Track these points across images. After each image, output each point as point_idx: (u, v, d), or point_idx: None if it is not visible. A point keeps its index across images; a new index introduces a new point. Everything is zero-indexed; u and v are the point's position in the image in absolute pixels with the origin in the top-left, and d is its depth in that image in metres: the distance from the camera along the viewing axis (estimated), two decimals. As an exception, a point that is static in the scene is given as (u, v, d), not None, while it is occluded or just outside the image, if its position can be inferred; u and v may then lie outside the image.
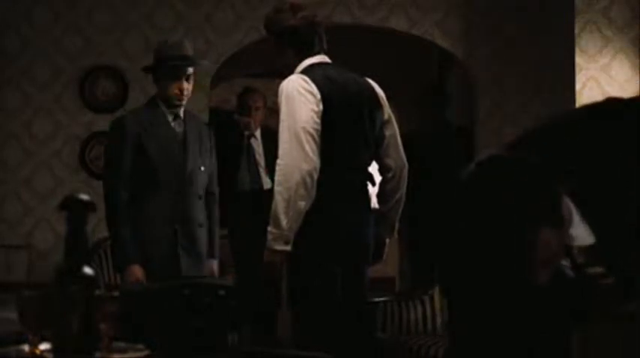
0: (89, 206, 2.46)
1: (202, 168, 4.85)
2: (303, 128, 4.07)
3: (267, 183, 7.07)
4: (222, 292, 3.00)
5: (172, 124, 4.84)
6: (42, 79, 6.91)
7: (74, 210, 2.45)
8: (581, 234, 2.26)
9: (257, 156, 7.11)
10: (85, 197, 2.48)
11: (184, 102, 4.85)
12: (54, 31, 6.92)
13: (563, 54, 6.79)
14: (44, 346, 2.55)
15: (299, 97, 4.11)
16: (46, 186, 6.81)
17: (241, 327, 3.08)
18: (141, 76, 5.40)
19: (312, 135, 4.09)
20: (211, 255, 4.96)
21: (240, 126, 7.10)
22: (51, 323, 2.46)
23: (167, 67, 4.75)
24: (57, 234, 6.58)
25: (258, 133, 7.16)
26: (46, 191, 6.79)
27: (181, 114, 4.88)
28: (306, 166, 4.04)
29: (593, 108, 2.42)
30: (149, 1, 7.00)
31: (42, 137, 6.89)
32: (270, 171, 7.04)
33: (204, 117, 7.12)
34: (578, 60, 6.65)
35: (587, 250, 2.28)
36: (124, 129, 4.76)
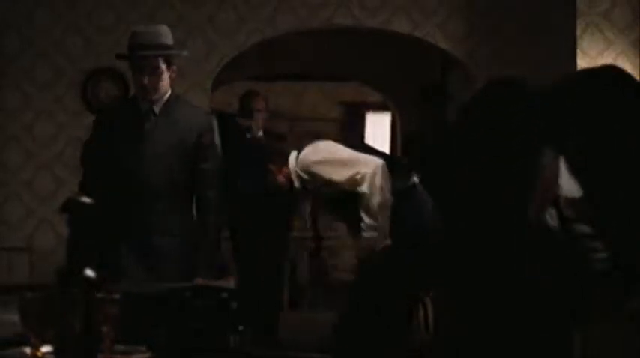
0: (90, 208, 2.46)
1: (169, 170, 4.32)
2: None
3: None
4: (224, 294, 3.00)
5: (143, 122, 4.37)
6: (43, 80, 6.91)
7: (75, 213, 2.44)
8: (568, 185, 2.27)
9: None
10: (86, 199, 2.48)
11: (153, 97, 4.35)
12: (54, 31, 6.92)
13: (564, 56, 6.78)
14: (46, 348, 2.54)
15: None
16: (48, 188, 6.81)
17: (243, 329, 3.08)
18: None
19: None
20: (198, 273, 4.21)
21: (242, 129, 7.10)
22: (53, 325, 2.46)
23: (129, 57, 4.34)
24: (58, 236, 6.57)
25: (260, 135, 7.15)
26: (47, 193, 6.79)
27: (157, 109, 4.37)
28: None
29: (592, 72, 2.44)
30: (150, 2, 7.00)
31: (43, 139, 6.89)
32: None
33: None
34: (580, 62, 6.65)
35: (573, 203, 2.28)
36: (95, 129, 4.55)
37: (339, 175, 4.99)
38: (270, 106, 7.38)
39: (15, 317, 2.60)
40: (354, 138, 12.43)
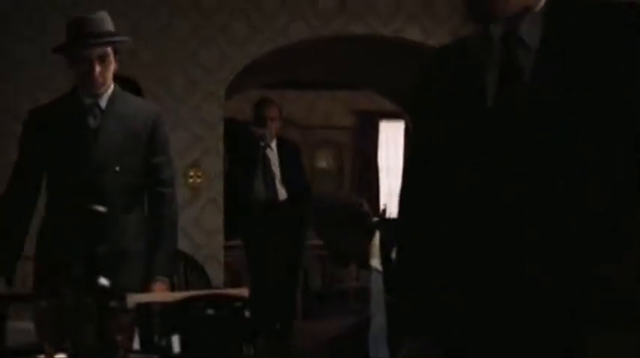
0: (104, 217, 2.46)
1: (122, 168, 3.97)
2: None
3: (282, 194, 7.08)
4: (237, 304, 2.99)
5: (87, 117, 3.98)
6: (58, 89, 6.92)
7: (89, 221, 2.45)
8: None
9: (272, 167, 7.11)
10: (99, 208, 2.48)
11: (100, 90, 3.98)
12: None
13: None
14: (60, 357, 2.55)
15: None
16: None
17: (257, 338, 3.07)
18: (155, 86, 5.39)
19: None
20: (155, 272, 3.96)
21: (256, 137, 7.11)
22: (67, 334, 2.46)
23: (75, 46, 3.93)
24: (72, 245, 6.58)
25: (273, 144, 7.17)
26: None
27: (102, 104, 4.00)
28: None
29: None
30: (163, 12, 7.02)
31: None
32: (285, 182, 7.06)
33: (219, 128, 7.14)
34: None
35: None
36: (26, 127, 4.08)
37: None
38: (283, 114, 7.40)
39: (29, 326, 2.60)
40: (368, 146, 12.43)
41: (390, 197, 12.34)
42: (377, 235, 4.76)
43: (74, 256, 3.33)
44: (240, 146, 7.33)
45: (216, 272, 6.79)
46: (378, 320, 4.59)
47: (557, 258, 2.17)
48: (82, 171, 3.92)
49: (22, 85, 6.87)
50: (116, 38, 4.02)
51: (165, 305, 2.92)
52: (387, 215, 10.70)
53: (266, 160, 7.11)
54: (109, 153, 3.94)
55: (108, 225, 3.78)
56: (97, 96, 3.98)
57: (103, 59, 3.92)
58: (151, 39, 6.95)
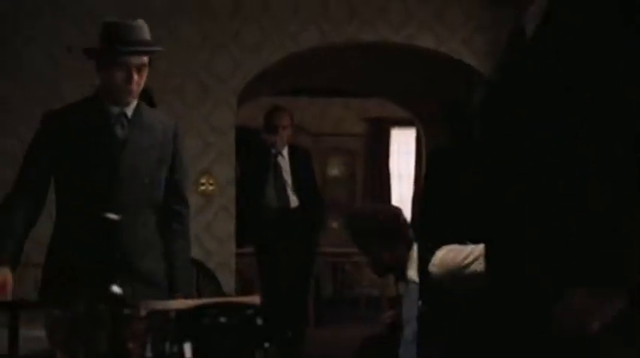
0: (118, 225, 2.46)
1: (149, 180, 3.85)
2: None
3: (293, 202, 7.08)
4: (249, 311, 2.99)
5: (114, 127, 3.84)
6: (70, 99, 6.94)
7: (102, 229, 2.45)
8: None
9: (284, 175, 7.11)
10: (113, 216, 2.49)
11: (130, 100, 3.86)
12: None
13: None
14: (73, 365, 2.55)
15: None
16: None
17: (269, 346, 3.07)
18: (167, 93, 5.40)
19: None
20: (176, 290, 3.89)
21: (267, 144, 7.12)
22: (80, 341, 2.46)
23: (115, 52, 3.78)
24: (85, 252, 6.59)
25: (285, 151, 7.17)
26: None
27: (129, 113, 3.87)
28: None
29: None
30: (175, 19, 7.03)
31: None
32: (297, 190, 7.06)
33: (230, 135, 7.14)
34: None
35: None
36: (46, 129, 3.86)
37: None
38: (294, 122, 7.40)
39: (42, 333, 2.61)
40: (379, 153, 12.42)
41: (401, 204, 12.32)
42: (414, 246, 4.77)
43: (89, 263, 3.47)
44: (252, 153, 7.34)
45: (227, 280, 6.79)
46: (412, 327, 4.61)
47: (557, 259, 2.16)
48: (107, 181, 3.77)
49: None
50: (155, 48, 3.94)
51: (177, 313, 2.92)
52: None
53: (277, 168, 7.11)
54: (137, 165, 3.82)
55: (125, 236, 3.71)
56: (125, 105, 3.85)
57: (140, 68, 3.83)
58: (163, 46, 6.95)
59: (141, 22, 3.93)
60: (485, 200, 2.30)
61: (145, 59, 3.85)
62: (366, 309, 10.41)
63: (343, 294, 10.72)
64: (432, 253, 4.19)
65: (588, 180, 2.14)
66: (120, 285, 3.00)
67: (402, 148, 12.53)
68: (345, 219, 5.03)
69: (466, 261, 3.94)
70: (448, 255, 4.08)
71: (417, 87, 9.37)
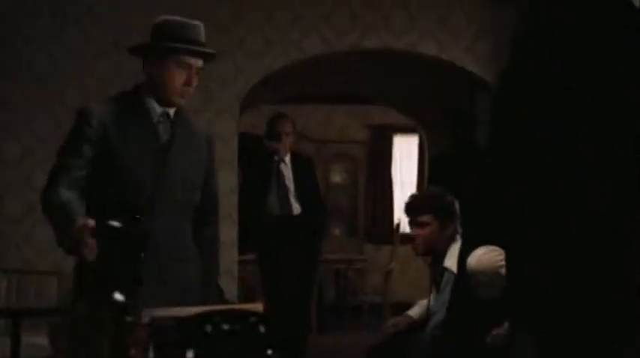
0: (120, 232, 2.46)
1: (190, 185, 3.73)
2: None
3: (296, 209, 7.08)
4: (252, 318, 2.98)
5: (158, 127, 3.67)
6: (73, 104, 6.95)
7: (104, 237, 2.45)
8: None
9: (286, 182, 7.11)
10: (115, 223, 2.48)
11: (181, 102, 3.71)
12: (85, 54, 6.97)
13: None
14: (75, 372, 2.54)
15: None
16: (77, 212, 6.83)
17: (271, 353, 3.06)
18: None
19: None
20: (209, 298, 3.74)
21: (270, 151, 7.11)
22: (82, 349, 2.46)
23: (180, 50, 3.65)
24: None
25: (287, 159, 7.16)
26: (76, 216, 6.81)
27: (171, 114, 3.70)
28: None
29: None
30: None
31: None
32: (299, 197, 7.06)
33: (233, 142, 7.14)
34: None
35: None
36: (88, 123, 3.59)
37: None
38: (297, 128, 7.40)
39: (44, 341, 2.60)
40: (381, 160, 12.42)
41: (403, 211, 12.30)
42: (459, 239, 4.84)
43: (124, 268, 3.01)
44: (255, 160, 7.33)
45: (230, 287, 6.79)
46: (438, 317, 4.68)
47: (557, 259, 2.15)
48: (152, 182, 3.60)
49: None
50: (212, 50, 3.80)
51: (180, 320, 2.91)
52: (401, 229, 10.68)
53: (280, 175, 7.11)
54: (181, 167, 3.67)
55: (164, 238, 3.58)
56: (169, 105, 3.69)
57: (198, 70, 3.70)
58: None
59: (199, 22, 3.80)
60: (488, 200, 2.29)
61: (201, 62, 3.72)
62: (369, 316, 10.40)
63: (346, 301, 10.70)
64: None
65: (588, 180, 2.13)
66: (153, 289, 3.19)
67: (405, 155, 12.53)
68: (408, 197, 5.11)
69: (500, 263, 3.94)
70: (487, 255, 4.09)
71: (419, 94, 9.37)
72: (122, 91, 3.74)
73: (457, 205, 4.94)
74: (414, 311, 5.11)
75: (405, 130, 12.05)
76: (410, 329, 5.01)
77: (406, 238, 11.13)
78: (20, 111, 6.88)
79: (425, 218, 4.89)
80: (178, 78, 3.63)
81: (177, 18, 3.73)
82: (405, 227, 11.85)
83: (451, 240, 4.85)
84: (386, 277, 10.20)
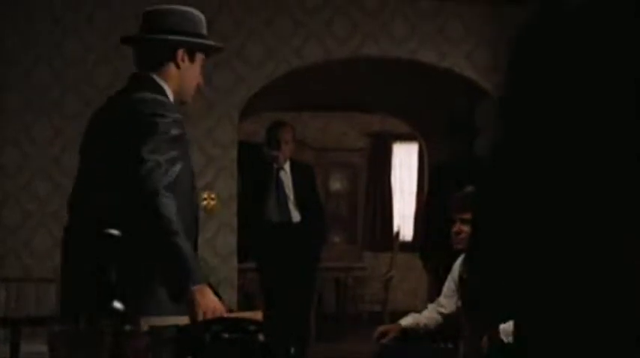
0: (118, 240, 2.45)
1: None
2: None
3: (295, 217, 7.07)
4: (252, 327, 2.98)
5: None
6: (71, 111, 6.96)
7: (103, 244, 2.44)
8: None
9: (286, 190, 7.10)
10: (113, 231, 2.48)
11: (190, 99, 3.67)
12: (86, 63, 6.98)
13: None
14: (74, 381, 2.54)
15: None
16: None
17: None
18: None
19: None
20: None
21: (270, 159, 7.11)
22: (81, 357, 2.45)
23: (209, 48, 3.63)
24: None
25: (287, 166, 7.16)
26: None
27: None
28: None
29: None
30: (178, 35, 7.04)
31: (71, 172, 6.92)
32: (299, 205, 7.05)
33: (233, 150, 7.15)
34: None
35: None
36: (175, 115, 3.37)
37: None
38: (296, 136, 7.39)
39: (43, 348, 2.60)
40: (381, 168, 12.42)
41: (403, 219, 12.31)
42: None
43: None
44: (254, 168, 7.33)
45: (229, 295, 6.78)
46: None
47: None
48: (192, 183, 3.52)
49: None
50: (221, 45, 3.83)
51: (179, 328, 2.91)
52: (401, 237, 10.68)
53: (279, 182, 7.10)
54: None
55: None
56: (183, 103, 3.62)
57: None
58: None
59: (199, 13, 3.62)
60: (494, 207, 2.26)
61: None
62: (369, 325, 10.38)
63: (345, 309, 10.69)
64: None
65: (602, 183, 2.09)
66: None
67: (404, 162, 12.53)
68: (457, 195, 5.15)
69: None
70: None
71: (419, 101, 9.38)
72: (152, 87, 3.47)
73: None
74: (406, 321, 5.13)
75: (405, 138, 12.05)
76: (401, 338, 5.02)
77: (405, 246, 11.19)
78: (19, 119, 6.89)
79: (469, 215, 4.92)
80: (199, 75, 3.59)
81: (195, 11, 3.58)
82: (405, 235, 11.91)
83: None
84: (385, 285, 10.19)
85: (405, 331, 5.04)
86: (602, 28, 2.03)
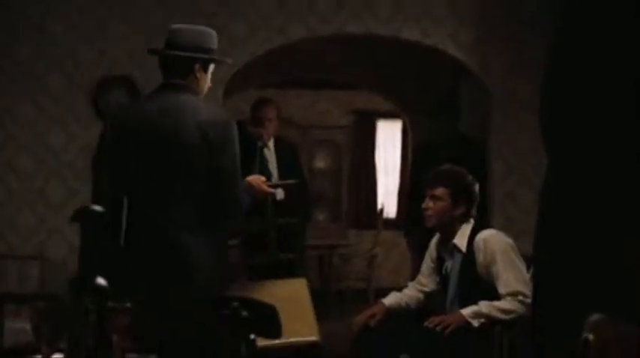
0: (101, 217, 2.46)
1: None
2: None
3: (279, 194, 7.07)
4: (235, 303, 3.00)
5: None
6: (55, 90, 6.93)
7: (87, 222, 2.45)
8: None
9: (270, 167, 7.10)
10: (97, 208, 2.49)
11: None
12: (69, 41, 6.95)
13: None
14: (57, 357, 2.55)
15: None
16: (60, 197, 6.82)
17: (253, 338, 3.07)
18: (153, 85, 5.33)
19: None
20: None
21: (253, 136, 7.10)
22: (64, 334, 2.46)
23: (218, 62, 4.67)
24: (70, 245, 6.59)
25: (271, 144, 7.16)
26: (59, 202, 6.81)
27: None
28: None
29: None
30: (162, 13, 7.01)
31: (55, 147, 6.91)
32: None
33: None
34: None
35: None
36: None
37: None
38: (281, 114, 7.38)
39: (27, 326, 2.61)
40: (365, 145, 12.43)
41: (387, 196, 12.34)
42: (472, 220, 4.96)
43: None
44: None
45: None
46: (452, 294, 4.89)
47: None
48: None
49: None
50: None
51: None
52: (385, 215, 10.70)
53: (263, 160, 7.10)
54: None
55: None
56: None
57: None
58: (150, 40, 6.94)
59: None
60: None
61: None
62: (354, 302, 10.41)
63: (330, 287, 10.71)
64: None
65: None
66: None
67: (389, 140, 12.54)
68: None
69: None
70: None
71: (403, 79, 9.37)
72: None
73: (476, 188, 4.98)
74: (389, 300, 5.14)
75: (389, 116, 12.05)
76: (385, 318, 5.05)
77: (389, 223, 11.21)
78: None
79: (438, 191, 4.91)
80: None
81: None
82: (389, 212, 11.93)
83: (463, 220, 4.89)
84: (370, 262, 10.22)
85: (389, 311, 5.06)
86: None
